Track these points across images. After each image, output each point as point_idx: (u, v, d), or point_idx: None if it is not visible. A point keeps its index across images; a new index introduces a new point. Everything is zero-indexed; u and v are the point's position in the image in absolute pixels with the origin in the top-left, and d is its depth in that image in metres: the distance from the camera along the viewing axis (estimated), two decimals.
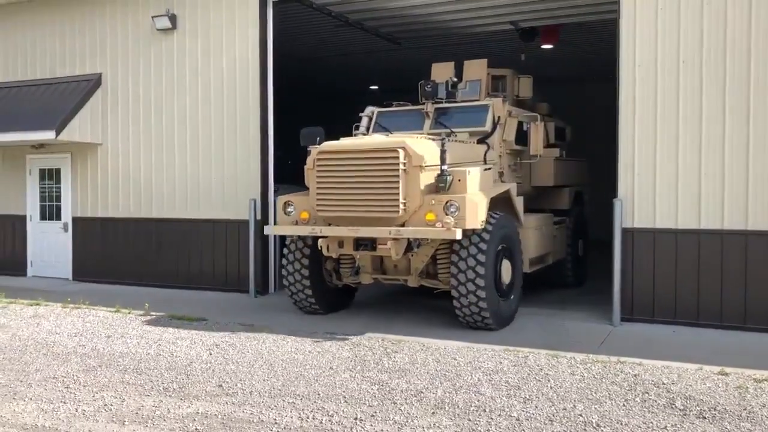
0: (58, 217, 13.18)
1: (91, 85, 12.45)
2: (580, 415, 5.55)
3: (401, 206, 8.05)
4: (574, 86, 18.53)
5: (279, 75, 11.59)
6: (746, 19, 8.32)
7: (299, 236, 9.03)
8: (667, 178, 8.68)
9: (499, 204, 8.90)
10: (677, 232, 8.64)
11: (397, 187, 8.06)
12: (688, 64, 8.56)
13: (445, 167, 8.05)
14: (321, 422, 5.45)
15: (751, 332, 8.24)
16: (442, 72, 10.76)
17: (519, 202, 9.37)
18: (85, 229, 12.86)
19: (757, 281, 8.30)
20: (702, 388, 6.18)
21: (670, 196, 8.67)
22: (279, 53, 11.57)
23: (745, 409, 5.63)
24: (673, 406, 5.73)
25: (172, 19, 11.74)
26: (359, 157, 8.36)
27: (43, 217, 13.37)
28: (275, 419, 5.53)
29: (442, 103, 10.12)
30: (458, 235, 7.75)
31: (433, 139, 8.57)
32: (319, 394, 6.09)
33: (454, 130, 9.69)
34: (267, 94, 11.26)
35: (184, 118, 11.82)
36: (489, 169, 8.95)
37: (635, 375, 6.56)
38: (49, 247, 13.26)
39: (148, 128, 12.19)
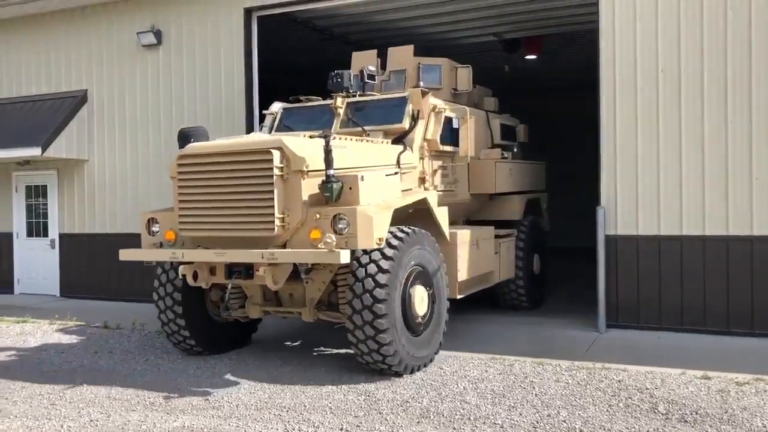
0: (45, 234, 13.14)
1: (76, 101, 12.47)
2: (564, 421, 5.59)
3: (278, 222, 6.56)
4: (564, 94, 18.73)
5: (264, 88, 11.66)
6: (722, 28, 8.46)
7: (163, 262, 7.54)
8: (648, 184, 8.77)
9: (417, 217, 7.66)
10: (660, 238, 8.74)
11: (272, 198, 6.55)
12: (667, 73, 8.68)
13: (331, 172, 6.56)
14: None
15: (734, 336, 8.32)
16: (363, 61, 9.45)
17: (442, 214, 7.83)
18: (72, 246, 12.83)
19: (738, 286, 8.40)
20: (684, 392, 6.25)
21: (652, 203, 8.77)
22: (264, 67, 11.64)
23: (726, 413, 5.69)
24: (656, 410, 5.79)
25: (157, 35, 11.80)
26: (226, 161, 6.81)
27: (29, 234, 13.33)
28: (261, 431, 5.54)
29: (354, 96, 8.72)
30: (343, 258, 6.25)
31: (327, 137, 6.69)
32: (305, 406, 6.11)
33: (368, 128, 8.36)
34: (252, 108, 11.31)
35: (170, 133, 11.84)
36: (396, 173, 7.48)
37: (619, 381, 6.61)
38: (36, 263, 13.21)
39: (135, 144, 12.22)
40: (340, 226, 6.48)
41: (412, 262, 7.01)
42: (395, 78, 9.55)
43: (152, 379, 7.14)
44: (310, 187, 6.69)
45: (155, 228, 7.51)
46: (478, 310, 10.12)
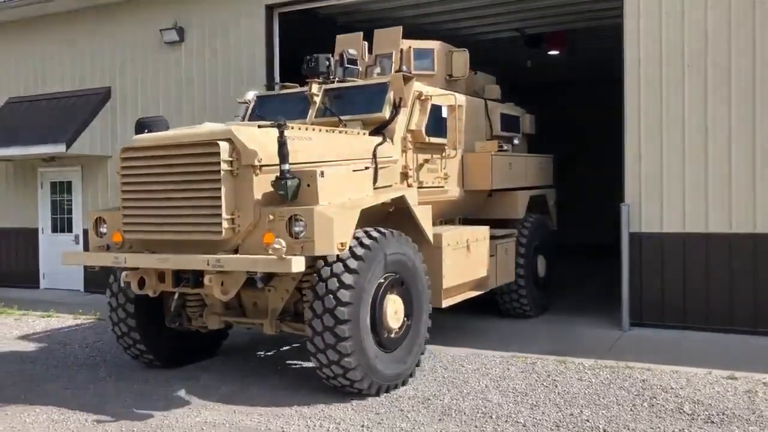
0: (70, 230, 13.29)
1: (100, 98, 12.59)
2: (587, 420, 5.53)
3: (226, 224, 5.85)
4: (584, 88, 18.58)
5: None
6: (750, 22, 8.30)
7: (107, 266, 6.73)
8: (674, 181, 8.65)
9: (398, 217, 6.92)
10: (685, 236, 8.60)
11: (219, 197, 5.83)
12: (693, 68, 8.55)
13: (286, 167, 5.80)
14: (328, 430, 5.47)
15: (761, 336, 8.17)
16: (348, 45, 8.63)
17: (423, 213, 7.02)
18: None
19: (766, 285, 8.25)
20: (710, 392, 6.15)
21: (677, 200, 8.64)
22: (286, 64, 11.65)
23: (754, 413, 5.60)
24: (681, 410, 5.70)
25: (180, 32, 11.86)
26: (169, 154, 6.12)
27: (54, 230, 13.50)
28: (282, 428, 5.55)
29: (332, 83, 7.96)
30: (295, 267, 5.48)
31: (280, 126, 5.84)
32: (326, 403, 6.10)
33: (346, 117, 7.62)
34: None
35: None
36: (367, 168, 6.74)
37: (643, 380, 6.53)
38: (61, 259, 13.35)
39: None
40: (296, 228, 5.72)
41: (385, 270, 6.23)
42: (382, 63, 8.53)
43: (174, 374, 7.17)
44: (263, 183, 5.93)
45: (103, 229, 6.83)
46: (497, 309, 9.78)
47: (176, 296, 6.55)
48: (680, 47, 8.61)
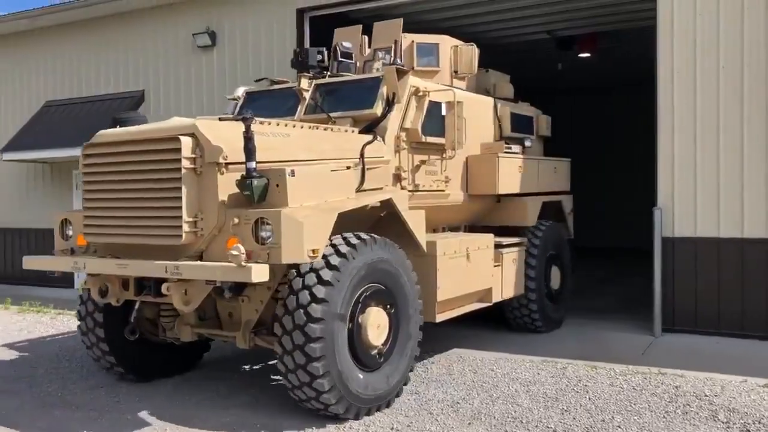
0: None
1: (134, 101, 12.81)
2: (619, 426, 5.47)
3: (187, 228, 5.35)
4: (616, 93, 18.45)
5: None
6: None
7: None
8: (708, 185, 8.52)
9: (388, 223, 6.39)
10: (719, 240, 8.47)
11: (179, 198, 5.35)
12: (728, 70, 8.42)
13: (252, 165, 5.30)
14: None
15: None
16: (347, 38, 8.16)
17: (415, 219, 6.41)
18: None
19: None
20: (746, 400, 6.04)
21: (711, 204, 8.51)
22: None
23: None
24: (716, 418, 5.61)
25: (212, 36, 12.02)
26: (130, 151, 5.68)
27: None
28: (310, 429, 5.57)
29: (324, 78, 7.50)
30: (257, 276, 4.97)
31: (246, 120, 5.34)
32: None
33: (336, 114, 7.12)
34: None
35: None
36: (349, 168, 6.15)
37: (676, 387, 6.44)
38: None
39: None
40: (262, 233, 5.22)
41: (367, 281, 5.69)
42: (381, 57, 7.90)
43: (206, 374, 7.25)
44: (229, 183, 5.42)
45: (69, 231, 6.39)
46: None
47: (137, 306, 6.21)
48: (715, 48, 8.48)
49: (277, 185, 5.40)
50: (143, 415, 6.03)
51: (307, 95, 7.39)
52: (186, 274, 5.22)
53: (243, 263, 4.99)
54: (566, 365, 7.25)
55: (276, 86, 7.99)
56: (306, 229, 5.20)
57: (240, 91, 8.11)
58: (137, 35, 12.97)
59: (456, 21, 12.21)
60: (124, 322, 6.49)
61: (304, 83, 7.41)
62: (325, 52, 7.56)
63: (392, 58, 7.67)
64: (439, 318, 6.93)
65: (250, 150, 5.27)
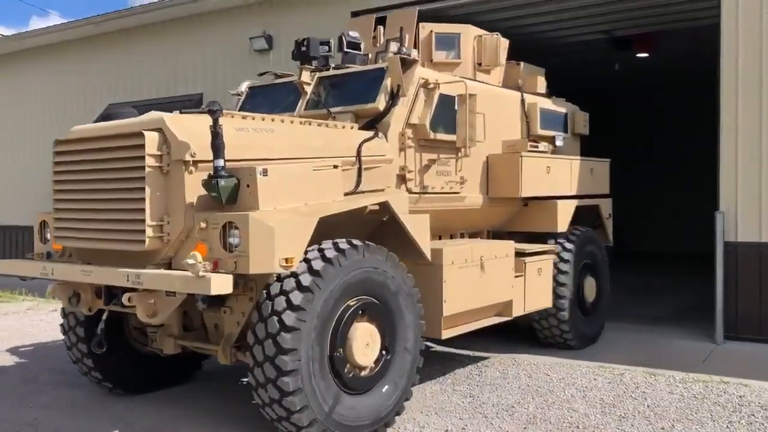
0: None
1: (193, 104, 13.11)
2: None
3: (151, 233, 4.91)
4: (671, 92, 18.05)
5: None
6: None
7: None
8: None
9: (391, 229, 5.77)
10: None
11: (142, 199, 4.91)
12: None
13: (220, 163, 4.81)
14: None
15: None
16: (359, 29, 7.64)
17: (417, 224, 5.77)
18: None
19: None
20: None
21: None
22: None
23: None
24: None
25: (268, 39, 12.23)
26: (97, 148, 5.26)
27: None
28: None
29: (327, 70, 6.99)
30: (216, 288, 4.45)
31: (213, 113, 4.85)
32: (409, 406, 6.14)
33: (336, 109, 6.61)
34: None
35: None
36: (336, 167, 5.54)
37: (740, 396, 6.25)
38: None
39: None
40: (230, 239, 4.73)
41: (355, 292, 5.13)
42: (394, 48, 7.00)
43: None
44: (198, 183, 4.94)
45: (48, 234, 5.95)
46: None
47: (105, 316, 5.75)
48: None
49: (248, 185, 4.89)
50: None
51: (308, 89, 6.89)
52: (146, 283, 4.75)
53: (200, 273, 4.48)
54: (623, 371, 7.12)
55: (279, 80, 7.51)
56: (278, 235, 4.66)
57: (243, 86, 7.70)
58: (196, 40, 13.29)
59: (510, 22, 12.09)
60: (110, 336, 5.93)
61: (305, 76, 6.90)
62: (332, 43, 7.10)
63: (398, 47, 6.86)
64: (446, 334, 6.26)
65: (217, 146, 4.79)
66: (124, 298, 4.94)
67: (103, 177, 5.21)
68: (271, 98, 7.19)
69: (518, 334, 8.82)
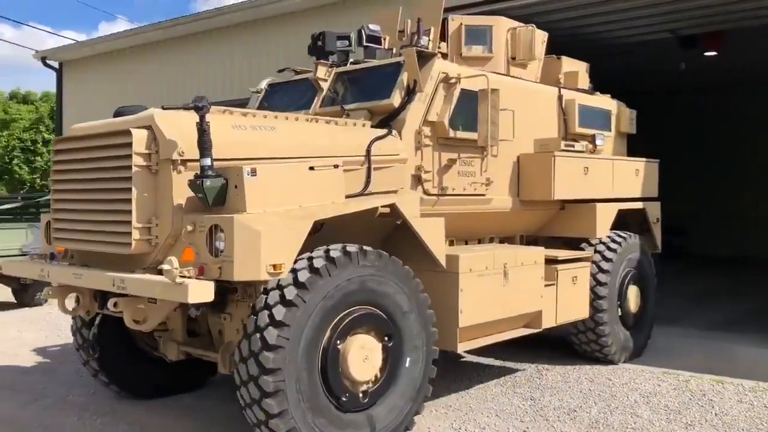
0: None
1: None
2: None
3: (137, 235, 4.71)
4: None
5: None
6: None
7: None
8: None
9: (405, 234, 5.45)
10: None
11: (129, 200, 4.72)
12: None
13: (207, 162, 4.58)
14: None
15: None
16: (384, 22, 7.22)
17: (429, 228, 5.46)
18: None
19: None
20: None
21: None
22: None
23: None
24: None
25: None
26: (90, 147, 5.12)
27: None
28: (429, 427, 5.67)
29: (345, 65, 6.63)
30: (194, 296, 4.21)
31: (200, 109, 4.63)
32: (470, 407, 6.18)
33: (350, 106, 6.26)
34: None
35: None
36: (336, 167, 5.20)
37: None
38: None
39: None
40: (217, 243, 4.46)
41: (350, 303, 4.76)
42: (424, 42, 6.46)
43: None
44: (186, 184, 4.71)
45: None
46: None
47: (98, 320, 5.66)
48: None
49: (236, 186, 4.64)
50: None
51: (324, 85, 6.56)
52: (130, 288, 4.56)
53: (177, 280, 4.24)
54: (689, 378, 6.99)
55: (297, 77, 7.21)
56: (265, 239, 4.38)
57: (263, 84, 7.41)
58: (261, 42, 13.62)
59: (571, 22, 11.94)
60: (119, 338, 5.96)
61: (321, 72, 6.55)
62: (352, 37, 6.73)
63: (415, 39, 6.33)
64: (463, 347, 5.87)
65: (204, 144, 4.56)
66: (110, 304, 4.79)
67: (93, 177, 5.09)
68: (289, 95, 6.94)
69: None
